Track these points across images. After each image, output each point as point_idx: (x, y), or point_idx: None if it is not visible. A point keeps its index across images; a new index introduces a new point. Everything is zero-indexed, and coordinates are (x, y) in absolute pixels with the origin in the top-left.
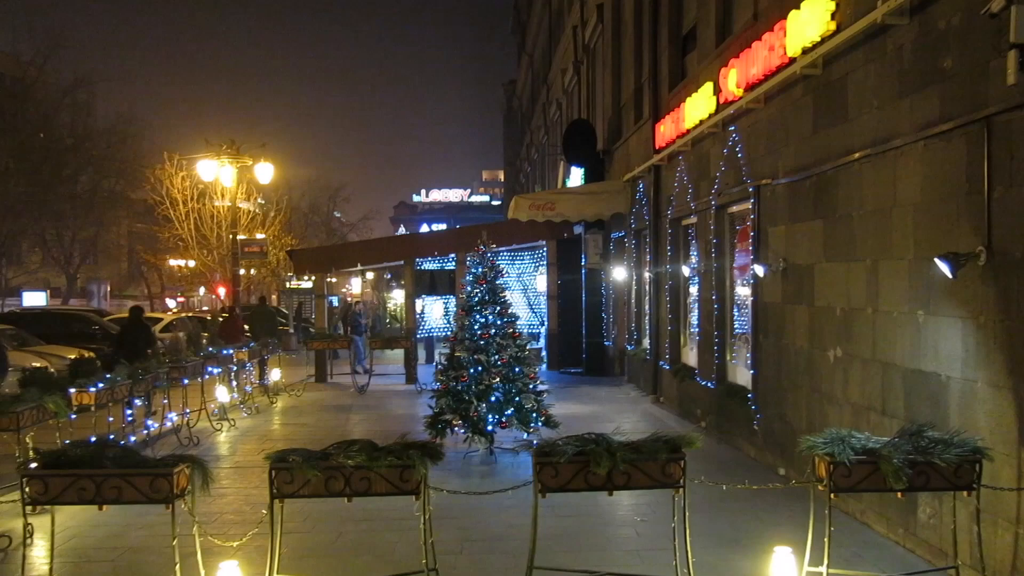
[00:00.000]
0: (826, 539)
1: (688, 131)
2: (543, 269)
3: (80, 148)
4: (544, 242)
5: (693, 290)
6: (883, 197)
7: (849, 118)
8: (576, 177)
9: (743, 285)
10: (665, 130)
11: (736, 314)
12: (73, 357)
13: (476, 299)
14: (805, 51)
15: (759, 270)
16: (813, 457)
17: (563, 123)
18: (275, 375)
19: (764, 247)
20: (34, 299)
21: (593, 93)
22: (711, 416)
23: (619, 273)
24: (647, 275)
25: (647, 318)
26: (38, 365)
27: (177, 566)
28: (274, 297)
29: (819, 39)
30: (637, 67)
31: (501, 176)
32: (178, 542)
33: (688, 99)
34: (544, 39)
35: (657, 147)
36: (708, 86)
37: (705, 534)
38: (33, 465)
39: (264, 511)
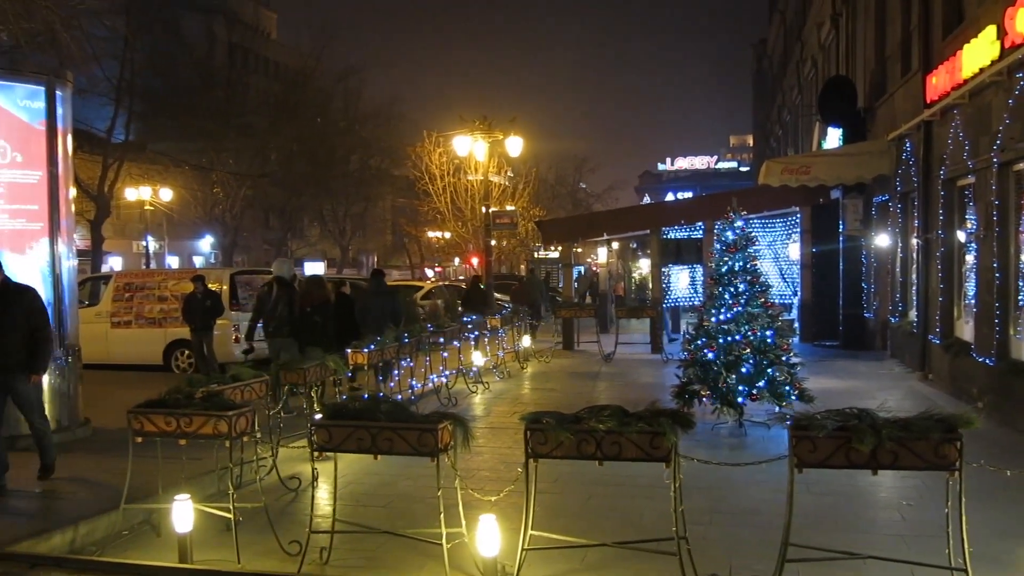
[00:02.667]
0: None
1: (965, 81)
2: (796, 237)
3: (351, 130)
4: (797, 209)
5: (969, 258)
6: None
7: None
8: (833, 139)
9: None
10: (938, 82)
11: (1021, 284)
12: None
13: (726, 268)
14: None
15: None
16: None
17: (818, 81)
18: (525, 341)
19: None
20: (314, 268)
21: (853, 47)
22: (990, 396)
23: (882, 240)
24: (915, 242)
25: (914, 288)
26: None
27: (442, 515)
28: (522, 267)
29: None
30: (905, 13)
31: (749, 141)
32: (442, 493)
33: (966, 46)
34: None
35: (928, 101)
36: (990, 30)
37: (984, 523)
38: (319, 416)
39: (519, 469)
